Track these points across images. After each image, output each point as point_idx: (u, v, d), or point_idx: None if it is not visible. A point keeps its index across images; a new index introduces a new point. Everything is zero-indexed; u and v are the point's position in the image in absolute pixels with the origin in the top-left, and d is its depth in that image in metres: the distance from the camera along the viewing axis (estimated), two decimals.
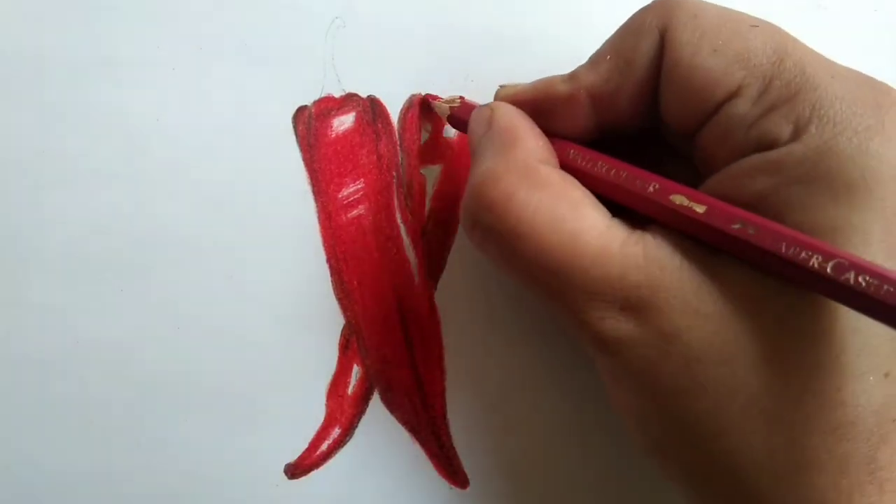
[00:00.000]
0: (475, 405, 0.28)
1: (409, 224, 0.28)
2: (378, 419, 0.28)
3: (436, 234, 0.28)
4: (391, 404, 0.28)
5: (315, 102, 0.27)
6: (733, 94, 0.19)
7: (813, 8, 0.30)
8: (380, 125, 0.28)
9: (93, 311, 0.27)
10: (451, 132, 0.28)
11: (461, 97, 0.26)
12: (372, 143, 0.28)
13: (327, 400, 0.28)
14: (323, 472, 0.28)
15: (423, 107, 0.28)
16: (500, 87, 0.24)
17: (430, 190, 0.28)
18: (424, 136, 0.28)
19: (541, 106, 0.23)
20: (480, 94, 0.28)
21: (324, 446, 0.28)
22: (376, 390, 0.28)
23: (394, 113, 0.28)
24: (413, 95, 0.28)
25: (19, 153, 0.26)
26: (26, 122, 0.26)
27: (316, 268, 0.27)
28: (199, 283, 0.27)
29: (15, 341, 0.26)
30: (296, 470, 0.28)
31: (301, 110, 0.27)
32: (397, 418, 0.28)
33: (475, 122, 0.23)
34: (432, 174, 0.28)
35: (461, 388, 0.28)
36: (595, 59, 0.22)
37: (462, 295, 0.28)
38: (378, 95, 0.28)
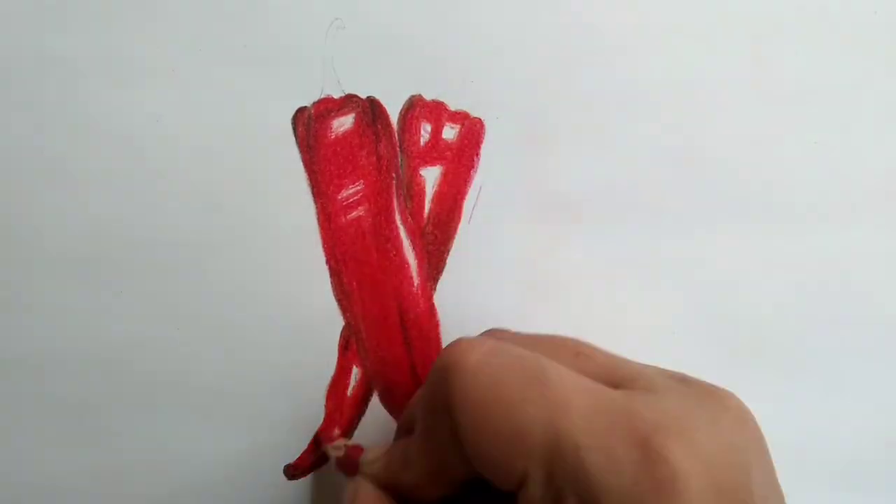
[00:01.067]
0: None
1: (408, 226, 0.28)
2: (377, 420, 0.28)
3: (435, 235, 0.28)
4: (390, 406, 0.28)
5: (314, 103, 0.27)
6: (522, 482, 0.18)
7: (813, 8, 0.30)
8: (379, 126, 0.28)
9: (91, 312, 0.27)
10: (450, 133, 0.28)
11: (347, 444, 0.26)
12: (371, 145, 0.28)
13: (326, 401, 0.28)
14: (322, 473, 0.28)
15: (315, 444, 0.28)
16: (363, 454, 0.24)
17: (429, 192, 0.28)
18: (424, 137, 0.28)
19: (397, 489, 0.22)
20: (480, 96, 0.28)
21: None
22: (375, 392, 0.28)
23: (393, 114, 0.28)
24: (413, 96, 0.28)
25: (18, 154, 0.26)
26: (25, 123, 0.26)
27: (315, 269, 0.27)
28: (198, 284, 0.27)
29: (13, 342, 0.26)
30: (295, 471, 0.28)
31: (300, 111, 0.27)
32: (397, 420, 0.28)
33: (342, 499, 0.24)
34: (432, 176, 0.28)
35: None
36: (406, 455, 0.22)
37: (461, 297, 0.28)
38: (378, 96, 0.28)
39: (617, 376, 0.20)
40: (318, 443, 0.28)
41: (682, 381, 0.20)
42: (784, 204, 0.30)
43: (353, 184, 0.28)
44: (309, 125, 0.27)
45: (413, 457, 0.22)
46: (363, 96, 0.28)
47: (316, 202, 0.27)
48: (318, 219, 0.27)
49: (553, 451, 0.17)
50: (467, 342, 0.20)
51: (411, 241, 0.28)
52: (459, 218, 0.28)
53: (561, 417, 0.17)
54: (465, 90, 0.28)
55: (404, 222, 0.28)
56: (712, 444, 0.17)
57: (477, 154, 0.28)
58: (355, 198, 0.28)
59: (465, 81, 0.28)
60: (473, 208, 0.28)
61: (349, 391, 0.28)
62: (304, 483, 0.28)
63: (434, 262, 0.28)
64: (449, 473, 0.21)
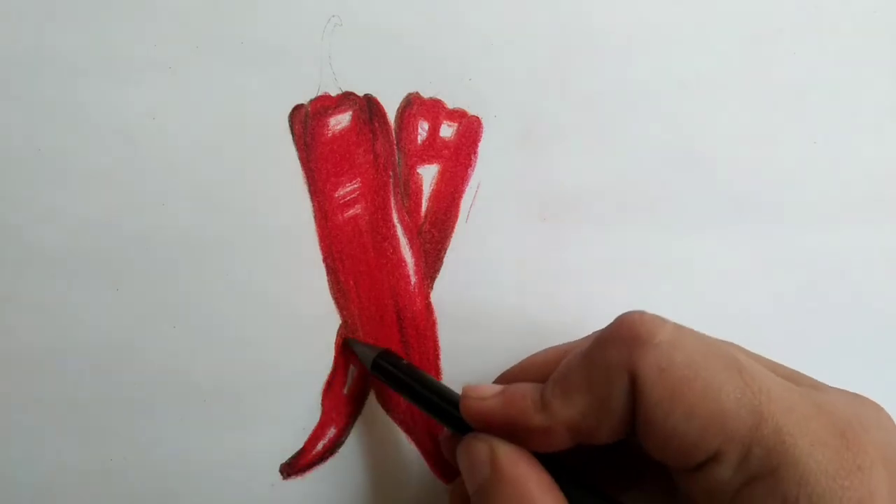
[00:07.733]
0: None
1: (405, 224, 0.28)
2: (374, 419, 0.28)
3: (432, 234, 0.28)
4: (387, 404, 0.28)
5: (311, 101, 0.27)
6: (712, 459, 0.19)
7: (813, 9, 0.30)
8: (376, 124, 0.28)
9: (89, 310, 0.26)
10: (448, 132, 0.28)
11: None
12: (368, 142, 0.28)
13: (323, 399, 0.28)
14: (318, 472, 0.28)
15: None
16: (466, 388, 0.23)
17: (427, 190, 0.28)
18: (422, 135, 0.28)
19: (513, 430, 0.22)
20: (478, 94, 0.28)
21: (319, 446, 0.28)
22: (372, 390, 0.28)
23: (391, 112, 0.28)
24: (410, 94, 0.28)
25: (16, 152, 0.26)
26: (23, 121, 0.26)
27: (312, 267, 0.27)
28: (196, 282, 0.27)
29: (9, 339, 0.26)
30: (291, 469, 0.28)
31: (297, 109, 0.27)
32: (393, 418, 0.28)
33: (470, 461, 0.22)
34: (429, 174, 0.28)
35: (457, 389, 0.28)
36: (566, 390, 0.21)
37: (458, 295, 0.28)
38: (375, 94, 0.28)
39: (780, 373, 0.21)
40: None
41: (819, 384, 0.21)
42: (783, 203, 0.30)
43: (350, 182, 0.28)
44: (306, 123, 0.27)
45: (555, 405, 0.21)
46: (360, 94, 0.28)
47: (313, 200, 0.27)
48: (315, 217, 0.27)
49: (754, 434, 0.18)
50: (652, 317, 0.20)
51: (408, 239, 0.28)
52: (457, 216, 0.28)
53: (765, 403, 0.18)
54: (463, 88, 0.28)
55: (401, 221, 0.28)
56: (884, 440, 0.19)
57: (474, 152, 0.28)
58: (352, 196, 0.28)
59: (463, 79, 0.28)
60: (471, 207, 0.28)
61: (346, 389, 0.28)
62: (299, 482, 0.28)
63: (431, 260, 0.28)
64: (592, 431, 0.21)
